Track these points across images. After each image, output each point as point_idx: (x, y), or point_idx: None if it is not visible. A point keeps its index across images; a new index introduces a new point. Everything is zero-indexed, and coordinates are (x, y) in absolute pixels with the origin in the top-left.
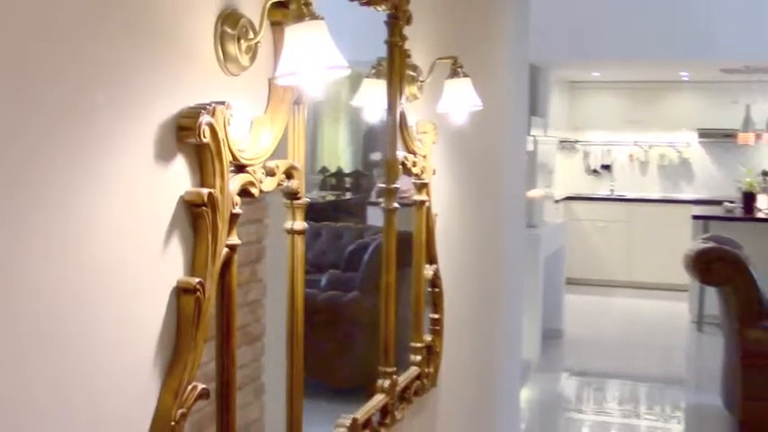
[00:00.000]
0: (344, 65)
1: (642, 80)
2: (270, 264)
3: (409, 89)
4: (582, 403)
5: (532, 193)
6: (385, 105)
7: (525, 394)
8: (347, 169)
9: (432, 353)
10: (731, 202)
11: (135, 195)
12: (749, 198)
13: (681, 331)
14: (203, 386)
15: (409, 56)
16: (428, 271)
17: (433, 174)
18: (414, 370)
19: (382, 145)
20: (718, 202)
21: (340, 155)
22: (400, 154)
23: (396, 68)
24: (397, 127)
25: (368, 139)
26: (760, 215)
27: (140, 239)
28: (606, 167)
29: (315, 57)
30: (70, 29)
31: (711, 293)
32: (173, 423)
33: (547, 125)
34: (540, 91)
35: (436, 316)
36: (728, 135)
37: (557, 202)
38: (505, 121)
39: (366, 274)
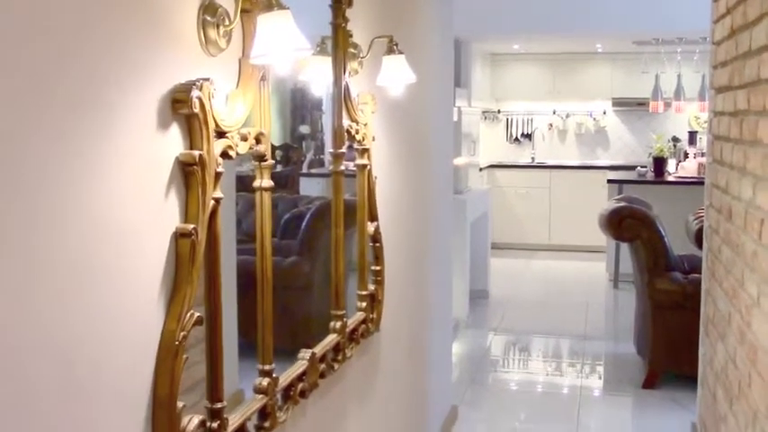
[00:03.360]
0: (308, 47)
1: (560, 52)
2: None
3: (351, 65)
4: (508, 357)
5: (458, 161)
6: (330, 80)
7: (456, 349)
8: (277, 142)
9: (375, 300)
10: (643, 166)
11: (140, 157)
12: (659, 162)
13: (599, 289)
14: (198, 314)
15: (351, 35)
16: (370, 227)
17: (373, 140)
18: (360, 315)
19: (310, 119)
20: (631, 168)
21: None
22: (345, 122)
23: (339, 46)
24: (342, 99)
25: (295, 113)
26: (669, 178)
27: (145, 193)
28: (527, 136)
29: (283, 41)
30: (84, 19)
31: (626, 254)
32: (176, 343)
33: (470, 96)
34: (463, 63)
35: (377, 268)
36: (640, 104)
37: (481, 170)
38: (434, 92)
39: (304, 239)
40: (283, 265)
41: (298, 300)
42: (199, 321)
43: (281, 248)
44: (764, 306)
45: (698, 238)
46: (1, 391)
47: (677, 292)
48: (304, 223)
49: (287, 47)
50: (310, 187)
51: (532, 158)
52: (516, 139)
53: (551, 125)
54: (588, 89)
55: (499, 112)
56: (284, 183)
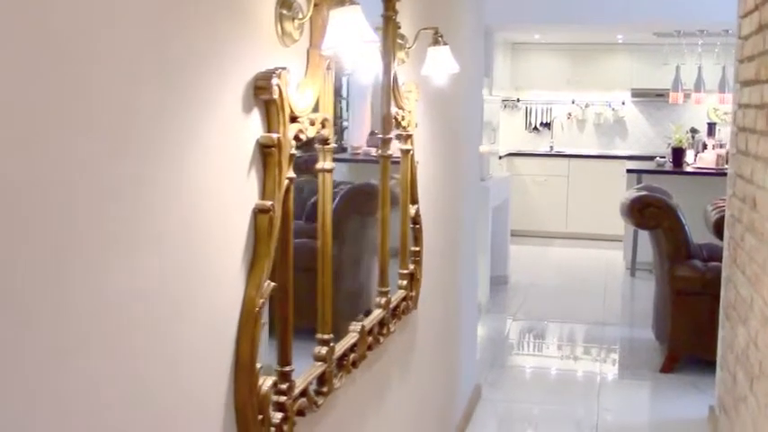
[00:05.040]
0: (377, 39)
1: (580, 42)
2: None
3: (399, 54)
4: (528, 341)
5: (481, 149)
6: (381, 68)
7: (479, 332)
8: None
9: (413, 279)
10: (662, 157)
11: (230, 137)
12: (678, 153)
13: (616, 277)
14: (274, 283)
15: (399, 26)
16: (411, 210)
17: (416, 127)
18: (401, 293)
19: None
20: (650, 158)
21: None
22: (393, 110)
23: (389, 37)
24: (390, 87)
25: None
26: (687, 169)
27: (232, 171)
28: (546, 125)
29: (353, 33)
30: (180, 11)
31: (643, 242)
32: (257, 309)
33: (491, 85)
34: (485, 52)
35: (417, 248)
36: (660, 95)
37: (500, 157)
38: (466, 82)
39: (333, 222)
40: (311, 246)
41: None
42: (275, 289)
43: (307, 231)
44: None
45: (716, 228)
46: (108, 353)
47: (697, 279)
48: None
49: (357, 39)
50: (336, 172)
51: (551, 147)
52: (535, 127)
53: (570, 114)
54: (608, 79)
55: (519, 100)
56: (311, 168)
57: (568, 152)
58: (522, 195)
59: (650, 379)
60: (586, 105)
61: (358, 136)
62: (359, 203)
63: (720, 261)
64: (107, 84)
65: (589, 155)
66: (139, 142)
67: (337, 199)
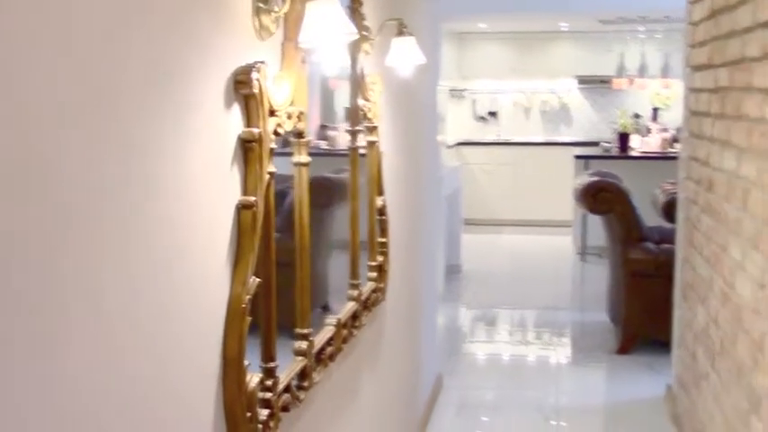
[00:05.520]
0: (355, 32)
1: (525, 31)
2: None
3: (364, 46)
4: (483, 329)
5: None
6: (347, 61)
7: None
8: None
9: (382, 271)
10: (608, 142)
11: (211, 133)
12: (624, 138)
13: (566, 262)
14: (259, 279)
15: (364, 18)
16: (378, 201)
17: (380, 119)
18: (371, 285)
19: None
20: (595, 143)
21: None
22: (359, 101)
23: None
24: (357, 79)
25: None
26: (633, 153)
27: (214, 167)
28: (493, 114)
29: (332, 26)
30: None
31: (592, 227)
32: (243, 306)
33: (438, 75)
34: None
35: (384, 240)
36: (604, 81)
37: (449, 147)
38: (424, 73)
39: (287, 216)
40: (284, 240)
41: (282, 276)
42: (260, 285)
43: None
44: (749, 269)
45: (666, 211)
46: (96, 353)
47: (650, 261)
48: (286, 201)
49: (336, 32)
50: (284, 167)
51: (498, 135)
52: (482, 117)
53: (516, 103)
54: (553, 67)
55: (465, 90)
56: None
57: (515, 140)
58: (471, 184)
59: (606, 361)
60: (532, 93)
61: (308, 129)
62: (315, 197)
63: (671, 243)
64: (87, 80)
65: (536, 142)
66: (122, 140)
67: (287, 196)
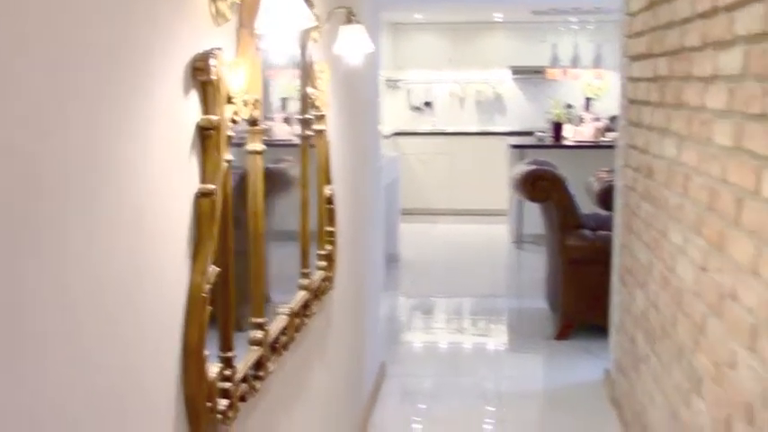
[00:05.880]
0: (313, 18)
1: (460, 21)
2: None
3: (312, 34)
4: (423, 317)
5: None
6: (296, 49)
7: None
8: None
9: (330, 260)
10: (542, 131)
11: (170, 121)
12: (558, 127)
13: (502, 250)
14: (218, 268)
15: (313, 5)
16: (327, 190)
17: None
18: (321, 273)
19: None
20: (528, 133)
21: None
22: (308, 90)
23: None
24: (306, 67)
25: None
26: (567, 142)
27: (172, 156)
28: (428, 104)
29: (287, 12)
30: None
31: (528, 215)
32: (203, 295)
33: (379, 64)
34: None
35: (331, 228)
36: (538, 71)
37: (386, 137)
38: (366, 63)
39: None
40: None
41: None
42: (219, 275)
43: None
44: (690, 253)
45: (601, 199)
46: (61, 342)
47: (587, 247)
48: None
49: (292, 19)
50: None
51: (433, 125)
52: (417, 107)
53: (451, 93)
54: (487, 57)
55: (400, 80)
56: None
57: (450, 130)
58: (408, 174)
59: (545, 347)
60: (467, 83)
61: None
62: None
63: (607, 230)
64: (39, 65)
65: (471, 132)
66: (80, 126)
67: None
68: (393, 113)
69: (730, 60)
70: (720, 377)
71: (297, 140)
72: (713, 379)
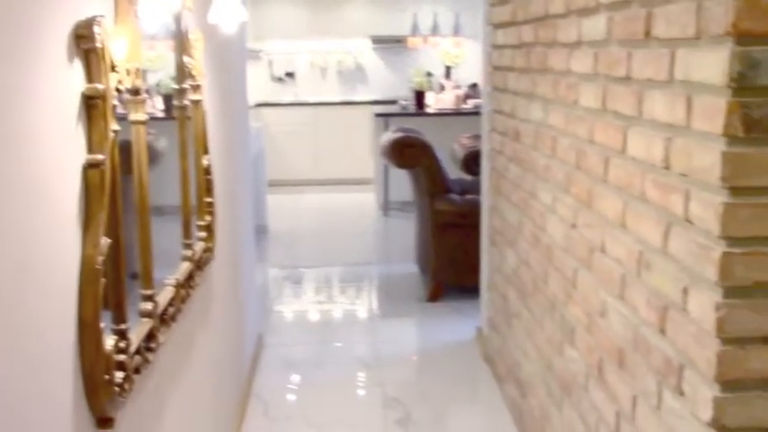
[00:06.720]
0: None
1: None
2: None
3: (186, 2)
4: (294, 287)
5: None
6: (170, 17)
7: None
8: None
9: (210, 231)
10: (405, 100)
11: (54, 90)
12: (420, 96)
13: (370, 218)
14: (110, 240)
15: None
16: (204, 161)
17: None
18: (202, 244)
19: None
20: (391, 102)
21: None
22: (184, 59)
23: None
24: (182, 36)
25: None
26: (429, 110)
27: (58, 126)
28: (290, 75)
29: None
30: None
31: (394, 182)
32: (98, 267)
33: (246, 34)
34: None
35: (210, 200)
36: (398, 41)
37: (249, 108)
38: (234, 34)
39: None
40: None
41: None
42: (110, 247)
43: None
44: (559, 211)
45: (466, 164)
46: None
47: (455, 212)
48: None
49: None
50: None
51: (296, 96)
52: (279, 78)
53: (312, 63)
54: (347, 27)
55: (261, 51)
56: None
57: (313, 100)
58: (272, 145)
59: (417, 309)
60: (328, 53)
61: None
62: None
63: (474, 194)
64: None
65: (333, 102)
66: None
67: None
68: (255, 84)
69: (594, 26)
70: (592, 326)
71: (160, 114)
72: (585, 328)
